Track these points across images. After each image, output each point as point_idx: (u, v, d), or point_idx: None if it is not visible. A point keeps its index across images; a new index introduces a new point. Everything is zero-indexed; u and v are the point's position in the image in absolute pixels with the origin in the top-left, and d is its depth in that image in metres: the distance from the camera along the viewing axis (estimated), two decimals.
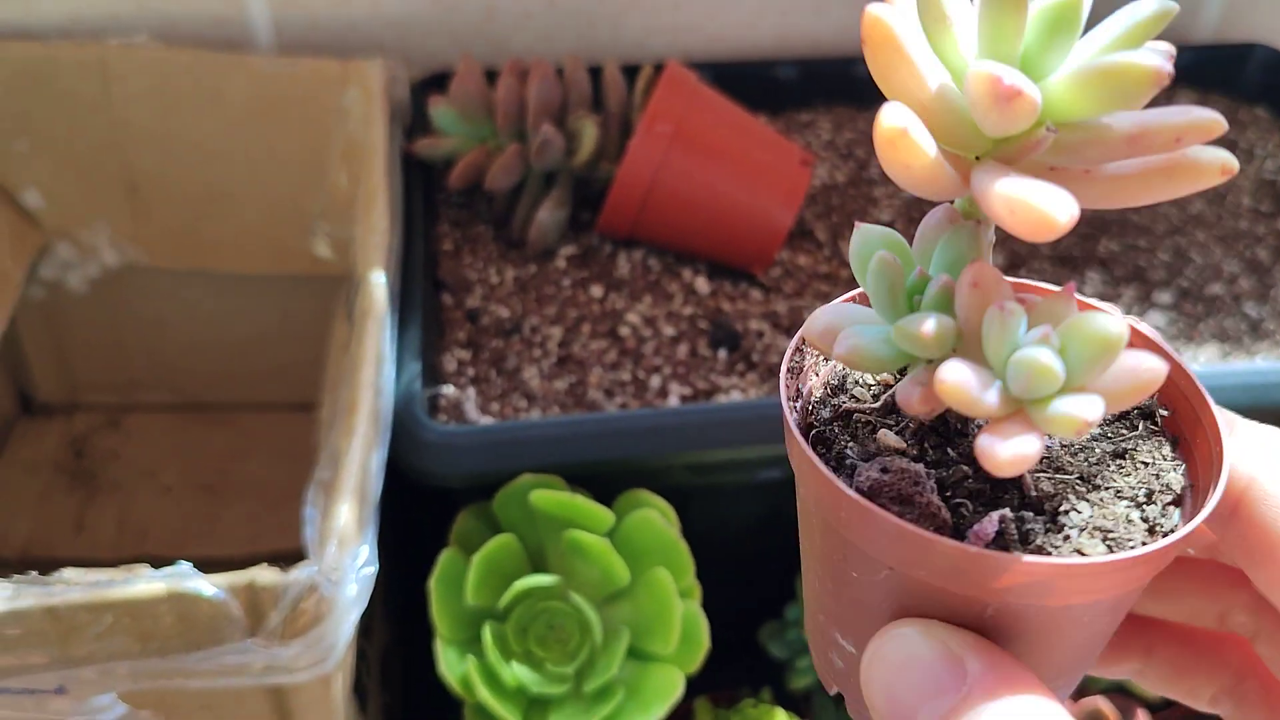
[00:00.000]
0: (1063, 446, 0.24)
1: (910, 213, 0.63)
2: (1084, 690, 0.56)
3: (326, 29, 0.65)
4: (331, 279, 0.68)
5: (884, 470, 0.23)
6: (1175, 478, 0.24)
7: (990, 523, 0.22)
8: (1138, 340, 0.24)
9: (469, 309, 0.56)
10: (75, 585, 0.38)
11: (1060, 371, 0.21)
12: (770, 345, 0.55)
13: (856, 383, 0.25)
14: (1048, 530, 0.22)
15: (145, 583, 0.38)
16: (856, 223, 0.25)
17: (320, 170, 0.64)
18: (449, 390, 0.52)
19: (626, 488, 0.49)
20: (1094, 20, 0.22)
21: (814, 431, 0.24)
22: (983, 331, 0.21)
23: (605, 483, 0.48)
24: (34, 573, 0.39)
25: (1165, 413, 0.25)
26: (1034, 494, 0.23)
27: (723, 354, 0.55)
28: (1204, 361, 0.55)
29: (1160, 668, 0.28)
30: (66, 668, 0.39)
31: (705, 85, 0.58)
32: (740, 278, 0.60)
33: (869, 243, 0.24)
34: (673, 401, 0.52)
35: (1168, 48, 0.21)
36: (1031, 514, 0.22)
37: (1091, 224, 0.63)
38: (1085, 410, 0.20)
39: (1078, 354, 0.21)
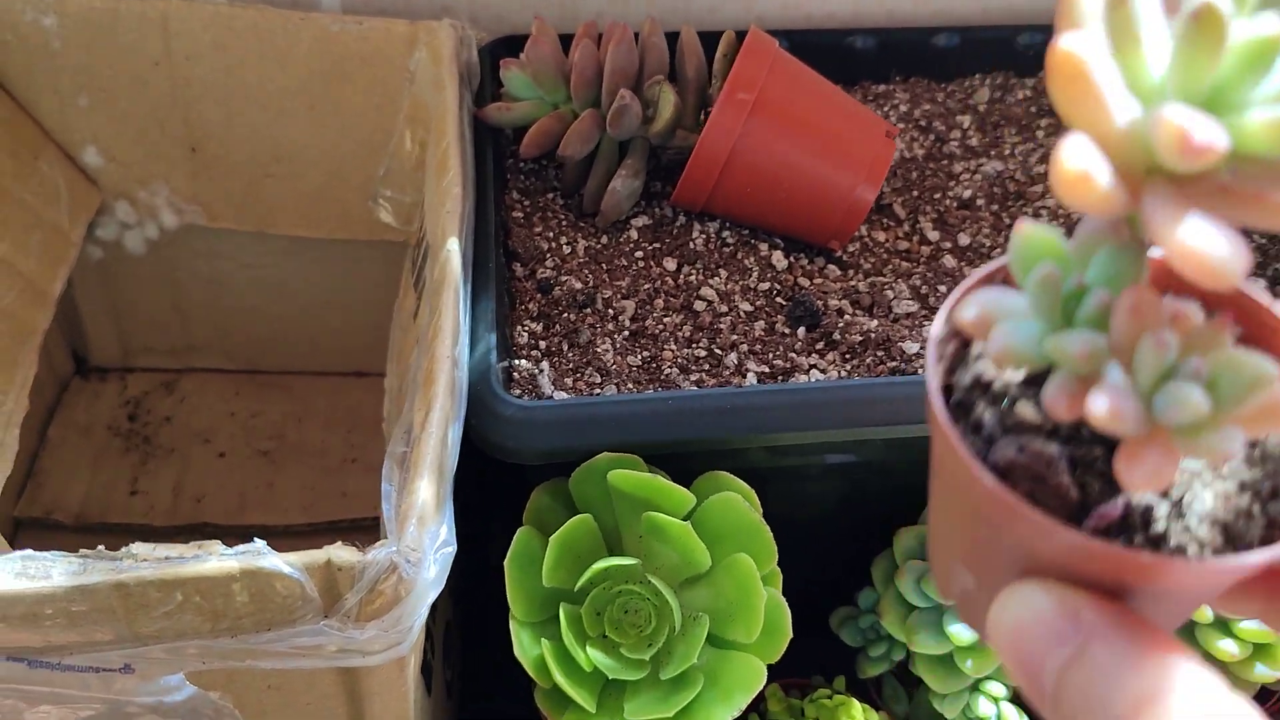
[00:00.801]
0: None
1: (992, 189, 0.61)
2: None
3: None
4: (393, 245, 0.67)
5: (1020, 450, 0.23)
6: None
7: (1115, 507, 0.23)
8: None
9: (540, 280, 0.54)
10: (145, 561, 0.37)
11: (1207, 408, 0.21)
12: (851, 324, 0.53)
13: None
14: (1170, 516, 0.23)
15: (218, 560, 0.37)
16: (1020, 221, 0.24)
17: (385, 134, 0.63)
18: (523, 364, 0.50)
19: (703, 468, 0.47)
20: None
21: (953, 398, 0.25)
22: (1135, 358, 0.22)
23: (682, 462, 0.47)
24: (101, 547, 0.37)
25: None
26: None
27: (802, 331, 0.53)
28: None
29: None
30: (134, 646, 0.38)
31: (787, 54, 0.56)
32: (817, 253, 0.58)
33: (1032, 248, 0.24)
34: (750, 380, 0.51)
35: None
36: (1157, 499, 0.23)
37: None
38: (1227, 444, 0.21)
39: (1227, 390, 0.22)
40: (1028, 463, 0.23)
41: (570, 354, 0.52)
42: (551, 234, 0.57)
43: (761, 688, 0.44)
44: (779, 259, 0.56)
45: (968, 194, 0.60)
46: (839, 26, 0.66)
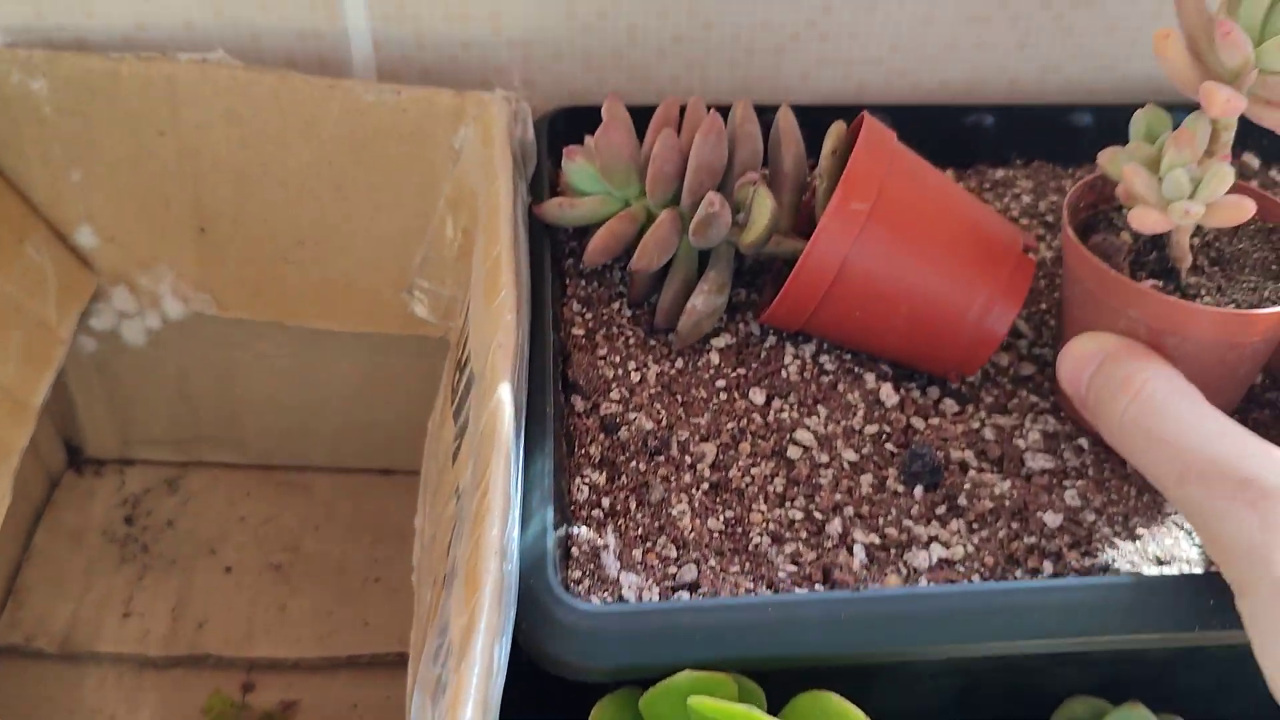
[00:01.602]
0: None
1: None
2: None
3: (435, 47, 0.55)
4: (427, 340, 0.58)
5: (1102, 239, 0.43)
6: None
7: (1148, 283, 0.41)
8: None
9: (605, 416, 0.45)
10: None
11: (1188, 188, 0.39)
12: (978, 484, 0.43)
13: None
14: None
15: None
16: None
17: (423, 218, 0.54)
18: (583, 532, 0.41)
19: (805, 677, 0.38)
20: None
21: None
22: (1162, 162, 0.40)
23: (781, 672, 0.38)
24: None
25: None
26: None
27: (919, 491, 0.44)
28: None
29: None
30: None
31: (905, 148, 0.46)
32: (929, 381, 0.48)
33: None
34: (859, 554, 0.41)
35: None
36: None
37: None
38: (1197, 210, 0.39)
39: (1205, 183, 0.39)
40: (1104, 247, 0.43)
41: (639, 515, 0.43)
42: (618, 357, 0.48)
43: None
44: (888, 393, 0.47)
45: None
46: (953, 100, 0.57)
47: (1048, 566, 0.41)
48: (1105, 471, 0.44)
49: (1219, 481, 0.35)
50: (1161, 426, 0.37)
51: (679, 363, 0.48)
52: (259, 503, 0.66)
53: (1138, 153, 0.40)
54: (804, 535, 0.42)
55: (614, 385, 0.47)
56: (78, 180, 0.54)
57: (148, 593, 0.61)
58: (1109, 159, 0.42)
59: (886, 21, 0.54)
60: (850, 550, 0.42)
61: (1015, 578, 0.41)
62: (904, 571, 0.41)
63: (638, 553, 0.41)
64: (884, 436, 0.46)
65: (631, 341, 0.49)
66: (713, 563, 0.41)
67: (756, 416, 0.46)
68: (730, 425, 0.46)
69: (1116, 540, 0.42)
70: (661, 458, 0.44)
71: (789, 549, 0.42)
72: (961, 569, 0.41)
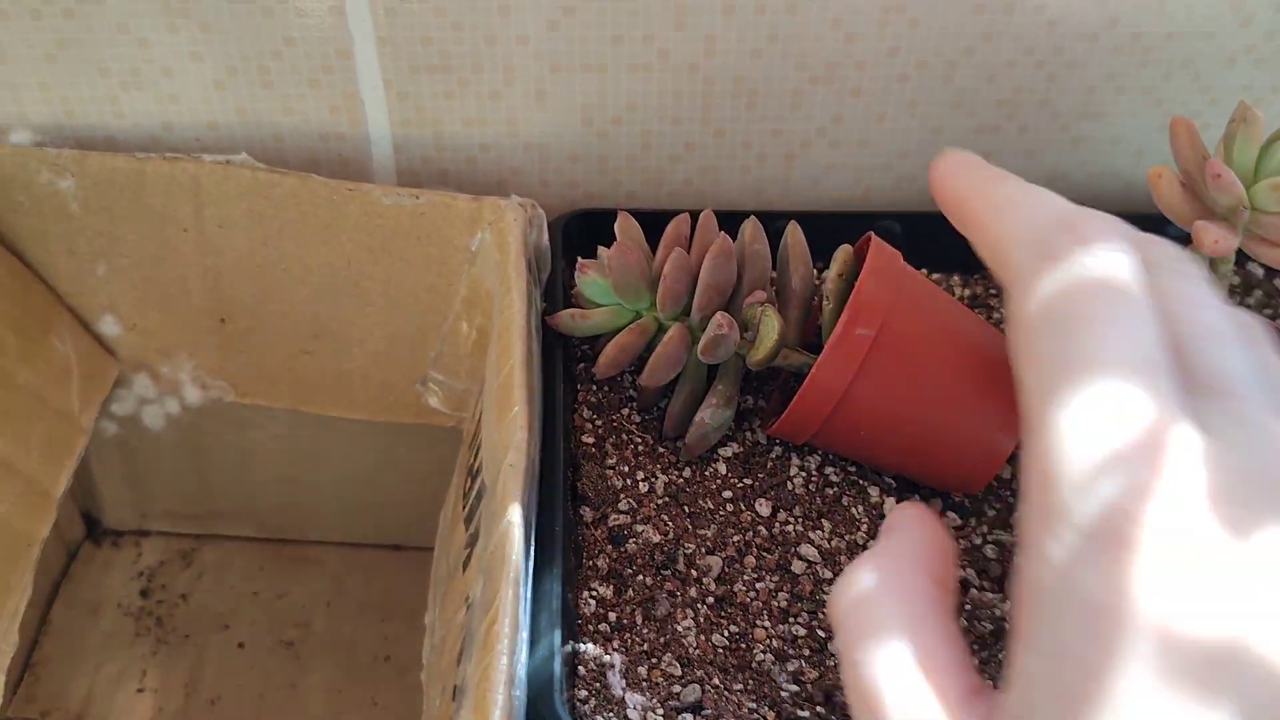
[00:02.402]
0: None
1: None
2: None
3: (453, 149, 0.56)
4: (439, 427, 0.59)
5: None
6: None
7: None
8: None
9: (613, 528, 0.46)
10: None
11: None
12: (979, 604, 0.44)
13: None
14: None
15: None
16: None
17: (439, 315, 0.55)
18: (589, 649, 0.42)
19: None
20: None
21: None
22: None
23: None
24: None
25: None
26: None
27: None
28: None
29: None
30: None
31: (912, 271, 0.48)
32: (932, 493, 0.49)
33: None
34: None
35: None
36: None
37: None
38: None
39: None
40: None
41: (645, 629, 0.44)
42: (627, 466, 0.49)
43: None
44: (891, 507, 0.48)
45: None
46: None
47: None
48: None
49: None
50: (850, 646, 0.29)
51: (686, 471, 0.49)
52: (272, 577, 0.67)
53: None
54: (807, 653, 0.43)
55: (622, 495, 0.48)
56: (102, 273, 0.55)
57: (162, 668, 0.62)
58: None
59: (895, 130, 0.56)
60: None
61: None
62: None
63: (643, 669, 0.42)
64: None
65: (640, 449, 0.50)
66: (716, 681, 0.42)
67: (762, 529, 0.47)
68: (736, 538, 0.47)
69: None
70: (668, 571, 0.45)
71: (791, 667, 0.43)
72: None
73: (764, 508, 0.48)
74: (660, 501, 0.48)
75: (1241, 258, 0.47)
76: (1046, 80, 0.54)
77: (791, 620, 0.44)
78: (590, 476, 0.48)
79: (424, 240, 0.53)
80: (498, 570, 0.40)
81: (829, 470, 0.49)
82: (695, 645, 0.43)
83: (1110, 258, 0.27)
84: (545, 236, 0.53)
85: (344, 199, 0.53)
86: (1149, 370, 0.25)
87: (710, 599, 0.45)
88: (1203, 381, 0.26)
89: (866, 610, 0.29)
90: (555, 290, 0.53)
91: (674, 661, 0.43)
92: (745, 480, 0.49)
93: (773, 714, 0.41)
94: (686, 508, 0.48)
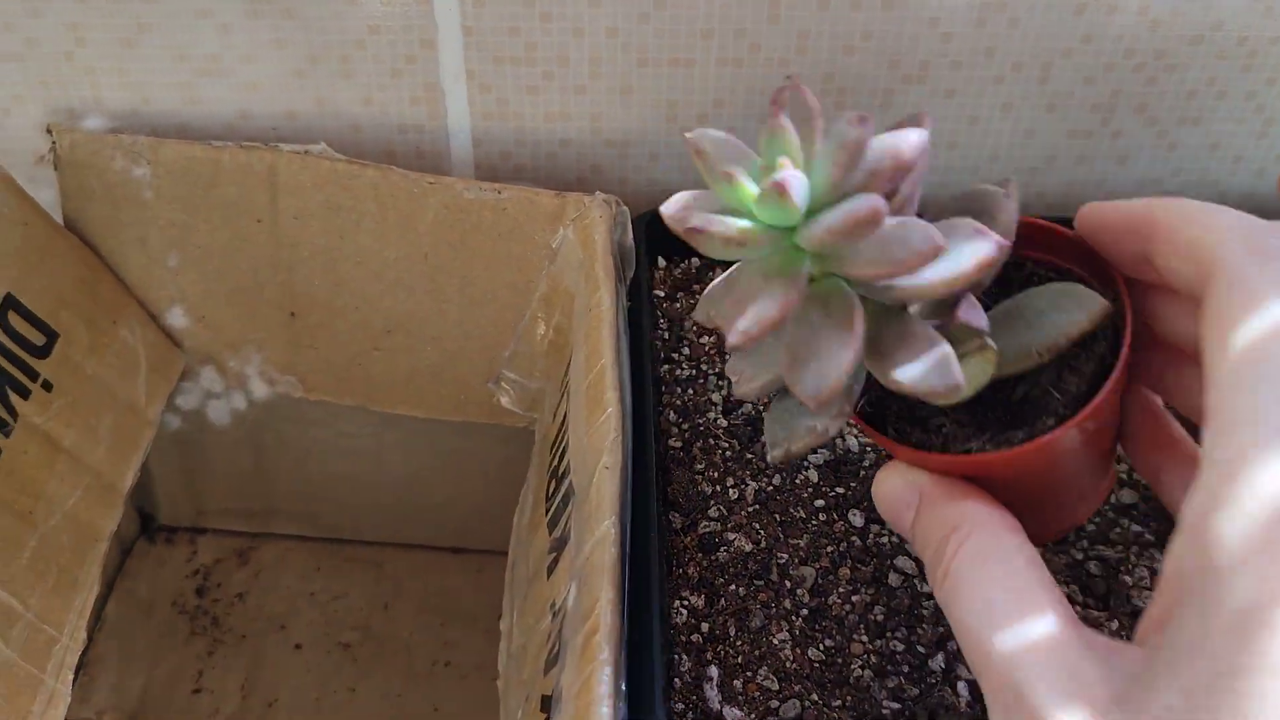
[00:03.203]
0: None
1: None
2: None
3: (534, 145, 0.55)
4: (508, 427, 0.58)
5: None
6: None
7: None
8: None
9: (703, 535, 0.45)
10: None
11: None
12: (1084, 620, 0.43)
13: None
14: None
15: None
16: None
17: (515, 312, 0.54)
18: (685, 661, 0.41)
19: None
20: None
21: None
22: None
23: None
24: None
25: None
26: None
27: None
28: None
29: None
30: None
31: None
32: None
33: None
34: (963, 693, 0.41)
35: None
36: None
37: None
38: None
39: None
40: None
41: (739, 642, 0.42)
42: (715, 473, 0.47)
43: None
44: None
45: None
46: (1048, 212, 0.56)
47: None
48: None
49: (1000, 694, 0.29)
50: (958, 621, 0.31)
51: (776, 479, 0.48)
52: (329, 578, 0.65)
53: None
54: (906, 669, 0.42)
55: (712, 502, 0.46)
56: (173, 264, 0.54)
57: (218, 668, 0.61)
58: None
59: (988, 132, 0.54)
60: (954, 688, 0.41)
61: None
62: None
63: (738, 683, 0.41)
64: None
65: (729, 454, 0.48)
66: (815, 697, 0.41)
67: (856, 539, 0.46)
68: (830, 548, 0.45)
69: None
70: (761, 582, 0.44)
71: (891, 683, 0.41)
72: None
73: (857, 519, 0.47)
74: (751, 509, 0.46)
75: None
76: (1145, 84, 0.53)
77: (889, 635, 0.43)
78: (680, 482, 0.46)
79: (505, 236, 0.52)
80: (596, 578, 0.38)
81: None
82: (791, 659, 0.42)
83: None
84: (629, 235, 0.52)
85: (424, 192, 0.52)
86: None
87: (805, 611, 0.43)
88: None
89: (971, 581, 0.31)
90: (640, 290, 0.52)
91: (770, 675, 0.41)
92: (837, 489, 0.48)
93: None
94: (778, 516, 0.46)
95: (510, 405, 0.56)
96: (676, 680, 0.40)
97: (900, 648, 0.42)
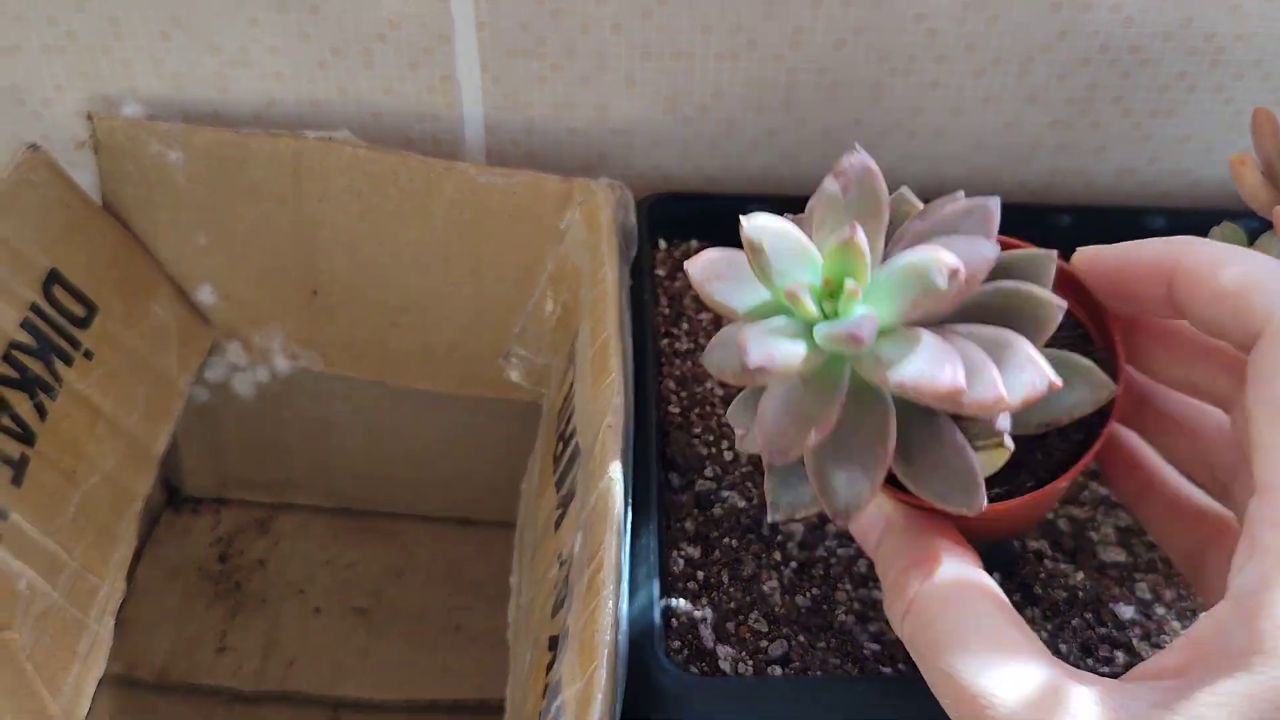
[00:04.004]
0: None
1: None
2: None
3: (543, 133, 0.58)
4: (516, 403, 0.61)
5: None
6: None
7: None
8: None
9: (699, 493, 0.48)
10: None
11: None
12: (1053, 574, 0.46)
13: None
14: None
15: None
16: None
17: (525, 291, 0.57)
18: (680, 604, 0.44)
19: None
20: None
21: None
22: None
23: None
24: None
25: None
26: None
27: (996, 579, 0.46)
28: None
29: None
30: None
31: None
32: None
33: None
34: None
35: None
36: None
37: None
38: None
39: None
40: None
41: (732, 588, 0.45)
42: (711, 436, 0.51)
43: None
44: None
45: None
46: (1031, 199, 0.60)
47: (1120, 657, 0.44)
48: (1175, 567, 0.47)
49: None
50: (927, 658, 0.31)
51: None
52: (345, 547, 0.69)
53: (1225, 234, 0.43)
54: (886, 618, 0.45)
55: (707, 463, 0.50)
56: (203, 243, 0.57)
57: (240, 630, 0.64)
58: None
59: (973, 123, 0.57)
60: None
61: (1088, 667, 0.43)
62: None
63: (731, 625, 0.44)
64: None
65: (723, 421, 0.52)
66: (801, 639, 0.44)
67: None
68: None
69: None
70: (753, 535, 0.47)
71: (872, 628, 0.45)
72: None
73: None
74: (744, 470, 0.50)
75: None
76: (1120, 78, 0.56)
77: (872, 585, 0.46)
78: (678, 444, 0.50)
79: (515, 218, 0.55)
80: (600, 524, 0.42)
81: None
82: (780, 605, 0.45)
83: None
84: (632, 216, 0.55)
85: (439, 176, 0.55)
86: None
87: (794, 563, 0.47)
88: None
89: (940, 619, 0.31)
90: (642, 269, 0.55)
91: (760, 619, 0.44)
92: None
93: (856, 668, 0.43)
94: None
95: (519, 380, 0.60)
96: (673, 621, 0.43)
97: (881, 596, 0.46)
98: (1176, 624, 0.45)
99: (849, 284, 0.30)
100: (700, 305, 0.57)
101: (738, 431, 0.35)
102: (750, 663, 0.43)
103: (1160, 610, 0.45)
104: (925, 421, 0.32)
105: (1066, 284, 0.36)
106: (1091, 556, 0.47)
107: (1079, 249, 0.36)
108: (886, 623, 0.45)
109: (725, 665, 0.42)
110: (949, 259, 0.29)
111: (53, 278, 0.51)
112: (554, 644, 0.43)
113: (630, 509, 0.44)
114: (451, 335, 0.59)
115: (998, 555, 0.46)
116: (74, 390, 0.51)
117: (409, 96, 0.56)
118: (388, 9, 0.54)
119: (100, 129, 0.55)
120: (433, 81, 0.56)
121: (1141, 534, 0.48)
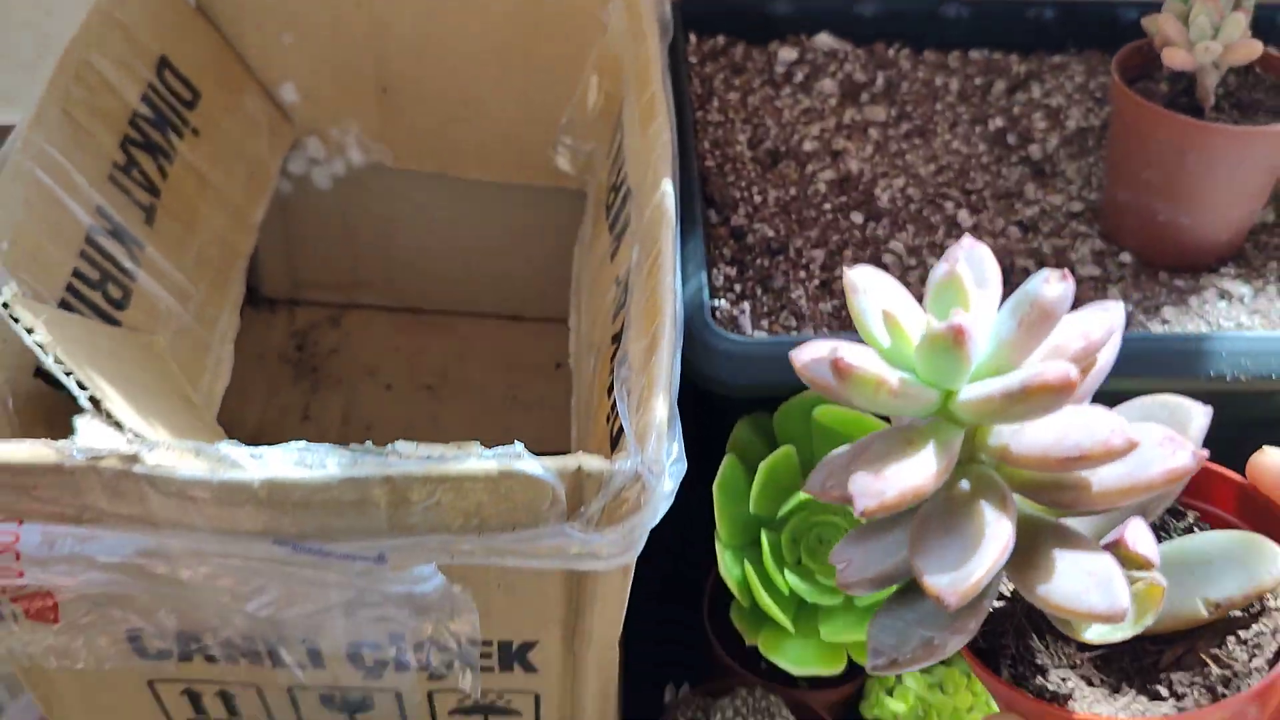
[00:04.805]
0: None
1: None
2: None
3: None
4: (562, 193, 0.69)
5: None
6: None
7: None
8: None
9: (734, 226, 0.56)
10: (410, 458, 0.40)
11: None
12: None
13: None
14: None
15: (478, 460, 0.40)
16: None
17: (571, 83, 0.65)
18: (722, 304, 0.52)
19: None
20: None
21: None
22: None
23: None
24: (369, 441, 0.40)
25: None
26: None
27: None
28: None
29: None
30: (391, 538, 0.41)
31: None
32: (998, 214, 0.59)
33: None
34: None
35: None
36: None
37: None
38: None
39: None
40: (1144, 91, 0.52)
41: (765, 298, 0.53)
42: (743, 184, 0.59)
43: None
44: (965, 217, 0.58)
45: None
46: None
47: None
48: (1141, 277, 0.55)
49: None
50: None
51: (792, 190, 0.59)
52: (409, 337, 0.77)
53: (1173, 8, 0.51)
54: None
55: (740, 204, 0.58)
56: (286, 44, 0.65)
57: (321, 403, 0.73)
58: (1150, 20, 0.53)
59: None
60: None
61: None
62: None
63: (765, 322, 0.52)
64: None
65: (753, 174, 0.59)
66: (825, 331, 0.52)
67: (857, 233, 0.57)
68: (835, 238, 0.57)
69: (1151, 325, 0.53)
70: (781, 258, 0.55)
71: None
72: None
73: (858, 217, 0.58)
74: (772, 210, 0.58)
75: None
76: None
77: None
78: (715, 187, 0.58)
79: (564, 13, 0.63)
80: (656, 226, 0.49)
81: (911, 190, 0.59)
82: (808, 309, 0.53)
83: None
84: (668, 8, 0.62)
85: None
86: None
87: (817, 281, 0.55)
88: None
89: None
90: (677, 56, 0.62)
91: (790, 317, 0.53)
92: (841, 198, 0.59)
93: None
94: (794, 215, 0.58)
95: (567, 167, 0.67)
96: (717, 314, 0.52)
97: None
98: (1142, 316, 0.53)
99: (954, 310, 0.29)
100: (730, 87, 0.64)
101: (839, 566, 0.32)
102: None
103: (1129, 308, 0.53)
104: (1048, 528, 0.29)
105: (1244, 500, 0.32)
106: (1070, 270, 0.56)
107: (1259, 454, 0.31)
108: None
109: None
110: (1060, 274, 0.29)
111: (163, 63, 0.59)
112: (616, 339, 0.51)
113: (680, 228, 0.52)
114: (505, 126, 0.67)
115: None
116: (186, 160, 0.59)
117: None
118: None
119: None
120: None
121: (1114, 255, 0.56)
